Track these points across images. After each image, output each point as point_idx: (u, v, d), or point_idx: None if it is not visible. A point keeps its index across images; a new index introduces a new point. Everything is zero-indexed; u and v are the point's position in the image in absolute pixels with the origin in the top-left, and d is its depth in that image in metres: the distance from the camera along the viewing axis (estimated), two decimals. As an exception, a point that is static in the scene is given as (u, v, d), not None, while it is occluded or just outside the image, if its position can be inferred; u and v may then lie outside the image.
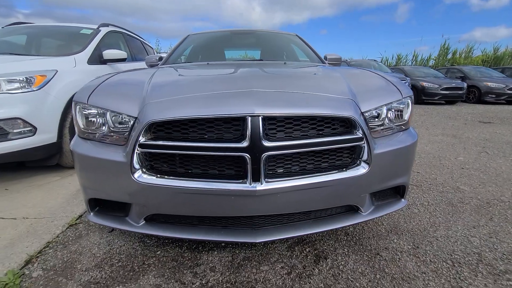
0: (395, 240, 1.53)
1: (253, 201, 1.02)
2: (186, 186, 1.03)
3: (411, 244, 1.50)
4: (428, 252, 1.43)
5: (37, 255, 1.42)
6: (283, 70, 1.63)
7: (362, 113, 1.15)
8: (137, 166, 1.08)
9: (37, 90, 2.26)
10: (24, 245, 1.51)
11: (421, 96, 9.40)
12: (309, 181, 1.05)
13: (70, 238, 1.58)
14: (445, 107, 8.59)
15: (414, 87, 9.56)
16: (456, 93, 9.24)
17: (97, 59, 3.16)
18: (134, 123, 1.10)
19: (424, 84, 9.39)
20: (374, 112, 1.20)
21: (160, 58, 2.69)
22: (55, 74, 2.44)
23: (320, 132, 1.08)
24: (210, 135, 1.03)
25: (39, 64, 2.40)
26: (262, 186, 0.99)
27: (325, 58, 2.75)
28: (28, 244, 1.52)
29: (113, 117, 1.15)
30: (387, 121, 1.26)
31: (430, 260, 1.36)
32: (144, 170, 1.08)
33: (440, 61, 15.82)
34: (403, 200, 1.40)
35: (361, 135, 1.09)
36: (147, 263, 1.36)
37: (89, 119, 1.21)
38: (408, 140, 1.29)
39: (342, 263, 1.34)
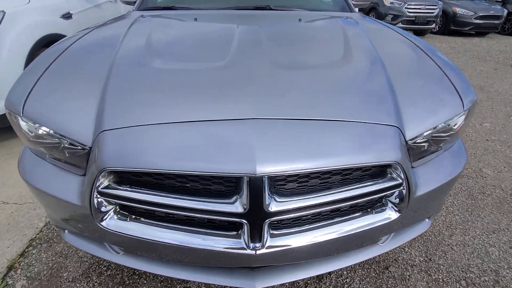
0: (406, 249, 1.40)
1: (251, 259, 0.81)
2: (165, 240, 0.80)
3: (424, 254, 1.38)
4: (442, 267, 1.32)
5: (20, 260, 1.32)
6: (298, 46, 1.16)
7: (407, 142, 0.83)
8: (103, 208, 0.83)
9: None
10: (5, 244, 1.40)
11: (449, 25, 8.17)
12: (326, 235, 0.82)
13: (55, 234, 1.47)
14: (474, 41, 7.56)
15: (444, 13, 8.21)
16: (492, 23, 7.98)
17: (58, -14, 2.47)
18: (89, 154, 0.79)
19: (457, 10, 8.02)
20: (421, 138, 0.86)
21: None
22: (2, 16, 1.89)
23: (346, 178, 0.78)
24: (194, 184, 0.75)
25: (-24, 5, 1.84)
26: (264, 249, 0.77)
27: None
28: (9, 243, 1.41)
29: (60, 140, 0.83)
30: (433, 143, 0.93)
31: (443, 280, 1.26)
32: (112, 213, 0.84)
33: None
34: (427, 220, 1.20)
35: (401, 181, 0.79)
36: (137, 273, 1.27)
37: (33, 133, 0.89)
38: (457, 165, 0.99)
39: (347, 280, 1.24)
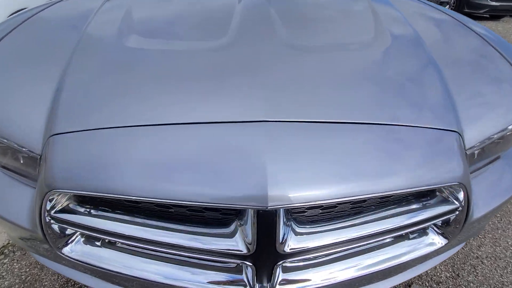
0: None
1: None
2: (144, 275, 0.62)
3: (450, 269, 1.20)
4: (471, 285, 1.15)
5: (-12, 272, 1.16)
6: (317, 23, 0.91)
7: (466, 152, 0.62)
8: (66, 231, 0.64)
9: None
10: (-28, 252, 1.23)
11: (463, 7, 7.69)
12: (354, 268, 0.63)
13: (31, 240, 1.29)
14: (489, 25, 7.14)
15: (457, -5, 7.72)
16: (509, 5, 7.51)
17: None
18: (41, 164, 0.59)
19: (472, -9, 7.53)
20: (480, 145, 0.65)
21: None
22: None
23: (386, 201, 0.58)
24: (179, 210, 0.55)
25: None
26: (274, 291, 0.58)
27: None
28: (-22, 251, 1.24)
29: (6, 144, 0.62)
30: (493, 151, 0.72)
31: (474, 301, 1.09)
32: (79, 237, 0.65)
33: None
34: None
35: (458, 205, 0.59)
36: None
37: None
38: None
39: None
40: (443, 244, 0.68)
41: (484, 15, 7.79)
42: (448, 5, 7.14)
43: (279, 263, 0.52)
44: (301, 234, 0.53)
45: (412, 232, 0.69)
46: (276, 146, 0.47)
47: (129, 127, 0.52)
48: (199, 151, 0.48)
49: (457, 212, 0.61)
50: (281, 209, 0.46)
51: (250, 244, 0.49)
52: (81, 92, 0.60)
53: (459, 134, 0.59)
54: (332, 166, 0.48)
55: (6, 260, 1.20)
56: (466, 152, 0.62)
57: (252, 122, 0.50)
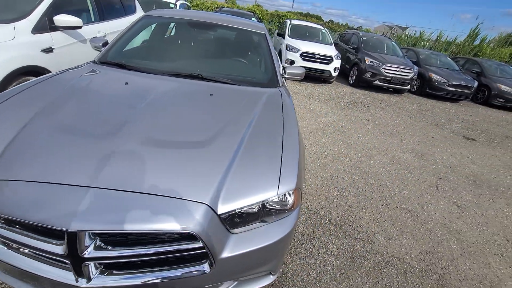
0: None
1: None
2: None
3: (279, 306, 1.60)
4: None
5: None
6: (180, 124, 1.48)
7: (220, 216, 1.12)
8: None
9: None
10: None
11: (425, 88, 8.86)
12: (150, 279, 1.08)
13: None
14: (445, 106, 8.17)
15: (421, 77, 8.95)
16: (462, 92, 8.68)
17: (46, 25, 2.89)
18: None
19: (433, 75, 8.76)
20: (234, 212, 1.16)
21: (105, 44, 2.47)
22: (-18, 51, 2.27)
23: (160, 237, 1.07)
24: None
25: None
26: (88, 284, 1.02)
27: (284, 73, 2.53)
28: None
29: None
30: (250, 216, 1.22)
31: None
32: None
33: (465, 48, 14.28)
34: (271, 276, 1.45)
35: (201, 245, 1.07)
36: None
37: None
38: (274, 234, 1.27)
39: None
40: (211, 270, 1.13)
41: (444, 96, 8.89)
42: (409, 85, 8.22)
43: (84, 262, 0.98)
44: (100, 248, 1.00)
45: (195, 260, 1.15)
46: (85, 200, 0.99)
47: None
48: (39, 194, 0.99)
49: (205, 250, 1.08)
50: (78, 232, 0.94)
51: (65, 249, 0.96)
52: None
53: (209, 205, 1.10)
54: (113, 213, 0.98)
55: None
56: (219, 216, 1.12)
57: (73, 185, 1.02)
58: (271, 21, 11.82)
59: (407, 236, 2.34)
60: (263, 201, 1.21)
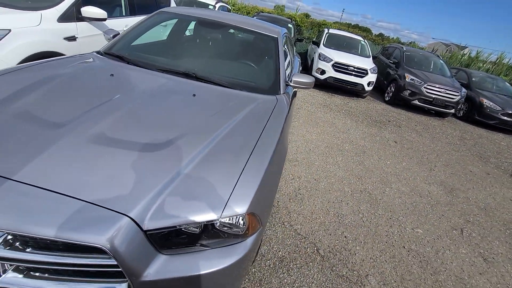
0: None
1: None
2: None
3: None
4: None
5: None
6: (143, 124, 1.37)
7: (145, 232, 0.97)
8: None
9: (-21, 52, 2.29)
10: None
11: (474, 114, 7.88)
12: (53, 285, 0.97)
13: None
14: (495, 137, 7.17)
15: (470, 101, 7.99)
16: (518, 123, 7.55)
17: (73, 15, 3.04)
18: None
19: (484, 101, 7.77)
20: (163, 230, 1.00)
21: (116, 36, 2.50)
22: (6, 34, 2.42)
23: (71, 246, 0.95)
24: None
25: (-11, 22, 2.39)
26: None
27: (290, 80, 2.33)
28: None
29: None
30: (185, 237, 1.06)
31: None
32: None
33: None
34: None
35: (115, 262, 0.93)
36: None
37: None
38: (216, 263, 1.08)
39: None
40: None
41: (496, 125, 7.83)
42: (453, 109, 7.39)
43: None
44: (10, 246, 0.91)
45: (110, 277, 1.01)
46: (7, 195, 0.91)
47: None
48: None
49: (119, 268, 0.94)
50: None
51: None
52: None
53: (131, 218, 0.95)
54: (15, 213, 0.88)
55: None
56: (144, 232, 0.97)
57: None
58: (311, 29, 11.52)
59: (408, 286, 1.98)
60: (201, 222, 1.04)
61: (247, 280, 1.71)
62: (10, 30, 2.45)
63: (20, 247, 0.94)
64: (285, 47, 2.98)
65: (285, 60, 2.80)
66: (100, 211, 0.95)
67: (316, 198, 2.73)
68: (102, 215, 0.94)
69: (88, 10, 3.10)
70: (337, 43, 7.86)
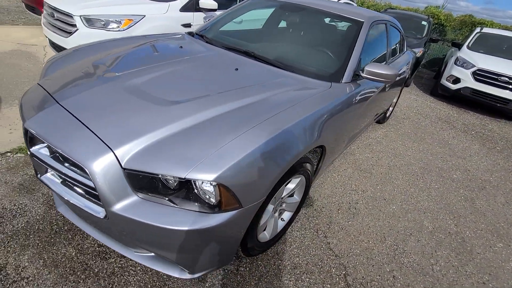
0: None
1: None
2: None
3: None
4: None
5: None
6: (178, 86, 1.49)
7: (124, 169, 1.08)
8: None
9: (123, 30, 3.11)
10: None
11: None
12: (69, 198, 1.23)
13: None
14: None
15: None
16: None
17: (192, 6, 3.64)
18: None
19: None
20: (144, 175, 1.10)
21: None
22: (141, 19, 3.18)
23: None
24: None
25: (132, 9, 3.18)
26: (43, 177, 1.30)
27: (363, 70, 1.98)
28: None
29: None
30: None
31: None
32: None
33: None
34: (187, 273, 1.26)
35: (93, 185, 1.08)
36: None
37: None
38: (177, 222, 1.06)
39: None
40: (103, 218, 1.12)
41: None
42: None
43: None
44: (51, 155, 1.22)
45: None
46: (51, 117, 1.22)
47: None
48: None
49: (95, 192, 1.08)
50: (28, 129, 1.18)
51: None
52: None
53: (112, 152, 1.07)
54: (48, 126, 1.16)
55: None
56: (123, 169, 1.07)
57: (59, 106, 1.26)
58: (459, 29, 9.22)
59: None
60: (167, 175, 1.06)
61: (247, 279, 1.61)
62: (144, 16, 3.20)
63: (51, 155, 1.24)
64: (386, 36, 2.55)
65: (376, 50, 2.39)
66: (97, 142, 1.12)
67: (375, 219, 2.22)
68: (96, 145, 1.11)
69: (205, 2, 3.63)
70: (490, 46, 5.95)
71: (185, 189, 1.12)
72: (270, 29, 2.61)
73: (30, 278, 1.41)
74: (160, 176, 1.07)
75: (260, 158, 1.15)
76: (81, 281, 1.43)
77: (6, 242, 1.55)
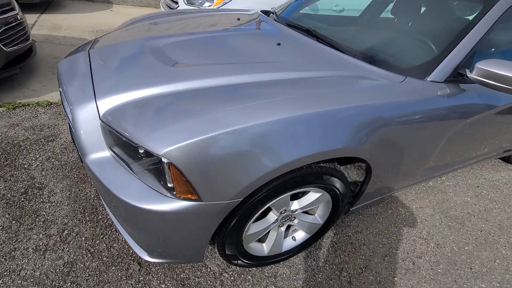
0: (163, 286, 1.30)
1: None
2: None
3: None
4: None
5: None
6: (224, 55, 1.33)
7: (102, 121, 1.02)
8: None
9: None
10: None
11: None
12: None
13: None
14: None
15: None
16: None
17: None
18: None
19: None
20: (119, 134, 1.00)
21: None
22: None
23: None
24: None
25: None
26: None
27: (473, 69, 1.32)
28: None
29: None
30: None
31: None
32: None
33: None
34: (146, 255, 1.13)
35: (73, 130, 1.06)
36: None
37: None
38: (126, 189, 0.93)
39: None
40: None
41: None
42: None
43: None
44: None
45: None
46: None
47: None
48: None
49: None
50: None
51: None
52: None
53: (95, 100, 1.00)
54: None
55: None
56: (101, 120, 1.00)
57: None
58: None
59: None
60: (125, 138, 0.93)
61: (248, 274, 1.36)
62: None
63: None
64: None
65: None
66: (90, 89, 1.10)
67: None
68: (88, 92, 1.09)
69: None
70: None
71: (151, 161, 0.96)
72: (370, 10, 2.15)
73: (53, 204, 1.60)
74: (124, 138, 0.95)
75: (242, 144, 0.86)
76: (83, 223, 1.53)
77: (56, 170, 1.83)
